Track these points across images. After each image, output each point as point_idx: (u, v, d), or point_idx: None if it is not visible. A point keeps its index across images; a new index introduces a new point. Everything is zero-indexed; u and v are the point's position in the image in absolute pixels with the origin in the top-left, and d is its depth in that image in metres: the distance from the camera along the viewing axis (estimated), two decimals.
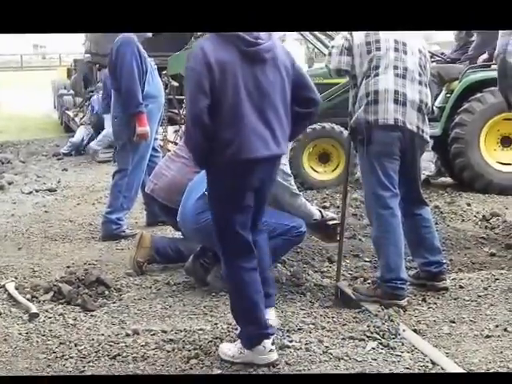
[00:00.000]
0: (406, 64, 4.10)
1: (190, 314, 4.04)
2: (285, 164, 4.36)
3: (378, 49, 4.06)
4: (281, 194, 4.36)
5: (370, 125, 4.02)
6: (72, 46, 33.75)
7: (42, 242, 5.77)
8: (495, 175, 7.37)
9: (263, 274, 3.49)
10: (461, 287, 4.33)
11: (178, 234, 5.16)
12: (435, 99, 7.90)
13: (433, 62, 7.95)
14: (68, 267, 4.91)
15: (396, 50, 4.09)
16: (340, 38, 4.15)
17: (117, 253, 5.40)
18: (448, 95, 7.71)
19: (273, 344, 3.37)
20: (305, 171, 7.81)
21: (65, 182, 8.89)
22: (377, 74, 4.04)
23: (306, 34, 8.22)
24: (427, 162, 9.41)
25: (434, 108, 7.93)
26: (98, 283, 4.39)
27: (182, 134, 5.33)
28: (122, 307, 4.17)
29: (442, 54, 8.38)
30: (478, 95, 7.32)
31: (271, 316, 3.58)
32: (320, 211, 4.61)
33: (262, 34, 3.22)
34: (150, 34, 5.82)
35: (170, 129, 9.58)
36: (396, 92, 4.03)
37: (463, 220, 6.28)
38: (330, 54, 4.17)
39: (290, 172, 4.38)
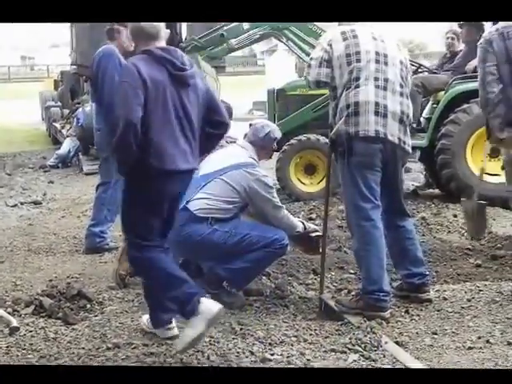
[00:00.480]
0: (387, 75, 4.13)
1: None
2: (266, 176, 4.40)
3: (359, 60, 4.09)
4: (263, 206, 4.40)
5: (351, 136, 4.05)
6: (60, 57, 33.86)
7: (25, 256, 5.78)
8: (483, 186, 7.39)
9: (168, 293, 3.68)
10: (444, 299, 4.36)
11: None
12: (422, 110, 7.97)
13: (419, 72, 8.04)
14: (50, 280, 4.91)
15: (377, 61, 4.12)
16: (319, 49, 4.18)
17: (100, 266, 5.41)
18: (434, 106, 7.76)
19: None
20: (291, 183, 7.84)
21: (51, 194, 8.90)
22: (357, 86, 4.07)
23: (292, 45, 8.26)
24: (416, 173, 9.48)
25: (421, 119, 8.00)
26: (80, 297, 4.41)
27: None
28: (103, 321, 4.17)
29: (421, 65, 8.41)
30: (464, 106, 7.36)
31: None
32: (303, 223, 4.65)
33: (187, 61, 3.65)
34: (130, 48, 5.82)
35: None
36: (377, 104, 4.06)
37: (449, 231, 6.34)
38: (309, 65, 4.20)
39: (271, 184, 4.42)
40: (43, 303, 4.26)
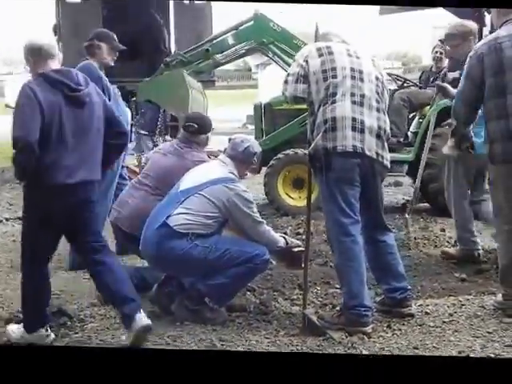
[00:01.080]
0: (363, 91, 4.19)
1: (154, 344, 4.05)
2: (245, 190, 4.43)
3: (335, 76, 4.15)
4: (243, 221, 4.43)
5: (329, 152, 4.09)
6: None
7: (8, 272, 5.77)
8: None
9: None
10: (426, 313, 4.39)
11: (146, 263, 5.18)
12: (409, 124, 8.04)
13: (405, 87, 8.11)
14: None
15: (352, 77, 4.18)
16: (295, 65, 4.25)
17: (83, 282, 5.40)
18: (421, 120, 7.82)
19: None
20: (280, 197, 7.89)
21: None
22: (334, 101, 4.12)
23: (278, 59, 8.32)
24: (407, 187, 9.52)
25: (409, 133, 8.06)
26: (60, 314, 4.41)
27: (147, 161, 5.36)
28: (83, 338, 4.18)
29: (406, 80, 8.48)
30: (450, 120, 7.39)
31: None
32: (284, 238, 4.67)
33: (82, 80, 4.00)
34: (110, 62, 5.86)
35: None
36: (354, 119, 4.11)
37: (436, 245, 6.36)
38: (286, 81, 4.25)
39: (251, 199, 4.45)
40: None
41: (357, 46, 4.35)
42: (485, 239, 6.45)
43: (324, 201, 4.26)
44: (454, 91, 5.16)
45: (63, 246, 6.44)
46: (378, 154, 4.18)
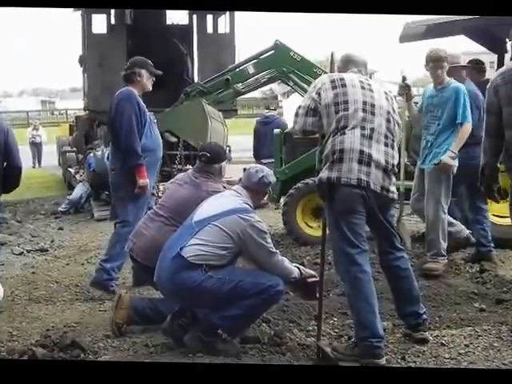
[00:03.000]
0: (373, 125, 4.23)
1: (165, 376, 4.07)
2: (260, 221, 4.45)
3: (346, 109, 4.20)
4: (257, 251, 4.44)
5: (333, 183, 4.13)
6: (79, 101, 34.41)
7: (25, 305, 5.84)
8: (492, 228, 7.38)
9: None
10: (442, 344, 4.37)
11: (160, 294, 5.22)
12: None
13: None
14: (47, 330, 4.98)
15: (364, 110, 4.23)
16: (307, 98, 4.30)
17: (99, 314, 5.46)
18: None
19: None
20: (298, 227, 7.86)
21: (58, 241, 9.00)
22: (343, 133, 4.17)
23: (297, 88, 8.39)
24: None
25: None
26: (74, 346, 4.44)
27: (164, 191, 5.44)
28: None
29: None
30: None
31: None
32: (299, 268, 4.67)
33: None
34: (150, 87, 6.05)
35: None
36: (361, 152, 4.15)
37: (456, 275, 6.31)
38: (296, 114, 4.30)
39: (265, 229, 4.46)
40: (36, 353, 4.31)
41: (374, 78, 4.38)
42: (506, 268, 6.42)
43: (331, 231, 4.29)
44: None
45: (81, 277, 6.63)
46: (383, 187, 4.22)
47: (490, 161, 4.77)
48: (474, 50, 12.35)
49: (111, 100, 6.05)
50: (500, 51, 7.97)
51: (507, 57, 7.82)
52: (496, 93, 4.57)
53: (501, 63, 8.03)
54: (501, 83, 4.55)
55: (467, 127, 6.03)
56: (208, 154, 5.01)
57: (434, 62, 6.07)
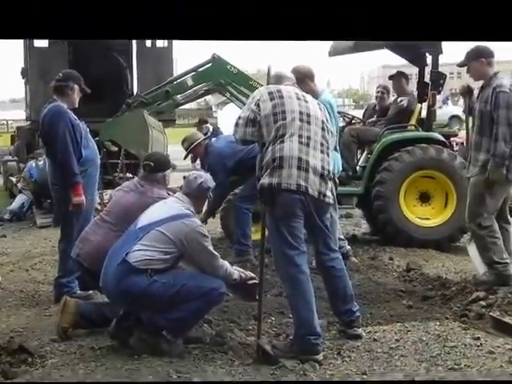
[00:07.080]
0: (310, 133, 4.29)
1: (112, 378, 4.00)
2: (201, 225, 4.43)
3: (284, 118, 4.25)
4: (199, 255, 4.41)
5: (274, 188, 4.16)
6: (20, 112, 33.67)
7: None
8: (415, 230, 7.57)
9: None
10: (375, 340, 4.42)
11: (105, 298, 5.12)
12: (357, 159, 8.18)
13: (353, 123, 8.28)
14: None
15: (301, 120, 4.29)
16: (246, 109, 4.33)
17: (45, 319, 5.32)
18: (369, 155, 7.96)
19: None
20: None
21: (1, 248, 8.73)
22: (282, 141, 4.21)
23: (234, 99, 8.39)
24: (357, 219, 9.60)
25: (357, 167, 8.19)
26: (21, 351, 4.32)
27: (110, 198, 5.33)
28: (43, 374, 4.10)
29: (354, 117, 8.65)
30: (396, 154, 7.57)
31: None
32: (239, 271, 4.66)
33: None
34: (76, 104, 5.85)
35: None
36: (300, 159, 4.20)
37: (385, 274, 6.42)
38: (236, 124, 4.33)
39: (206, 233, 4.44)
40: None
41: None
42: (429, 267, 6.57)
43: (271, 234, 4.31)
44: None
45: (26, 283, 6.45)
46: (320, 192, 4.27)
47: None
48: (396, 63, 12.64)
49: (42, 112, 5.75)
50: (420, 64, 8.19)
51: (427, 69, 8.04)
52: None
53: (421, 75, 8.24)
54: None
55: None
56: (152, 164, 4.97)
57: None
